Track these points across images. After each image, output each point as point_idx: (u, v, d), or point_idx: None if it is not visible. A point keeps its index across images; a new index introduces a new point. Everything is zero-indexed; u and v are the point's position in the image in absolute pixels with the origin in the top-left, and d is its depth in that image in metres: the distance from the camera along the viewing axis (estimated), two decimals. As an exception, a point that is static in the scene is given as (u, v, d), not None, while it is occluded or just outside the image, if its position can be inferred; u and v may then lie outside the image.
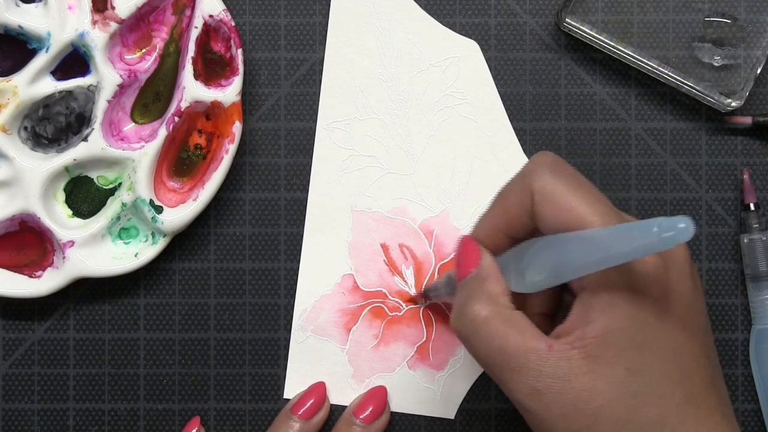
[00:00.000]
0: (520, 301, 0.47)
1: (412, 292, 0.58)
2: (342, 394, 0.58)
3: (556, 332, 0.45)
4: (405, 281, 0.58)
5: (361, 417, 0.56)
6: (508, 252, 0.47)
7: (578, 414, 0.43)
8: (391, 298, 0.58)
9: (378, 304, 0.58)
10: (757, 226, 0.56)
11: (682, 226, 0.39)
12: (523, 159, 0.58)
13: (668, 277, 0.44)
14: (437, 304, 0.57)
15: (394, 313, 0.58)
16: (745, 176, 0.57)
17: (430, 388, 0.57)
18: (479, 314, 0.45)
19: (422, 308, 0.58)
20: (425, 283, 0.58)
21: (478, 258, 0.47)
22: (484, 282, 0.46)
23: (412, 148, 0.58)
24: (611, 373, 0.43)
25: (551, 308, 0.49)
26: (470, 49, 0.58)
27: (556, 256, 0.44)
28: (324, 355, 0.58)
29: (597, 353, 0.43)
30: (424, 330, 0.58)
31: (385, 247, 0.58)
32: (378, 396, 0.57)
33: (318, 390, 0.57)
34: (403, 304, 0.58)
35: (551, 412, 0.44)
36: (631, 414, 0.43)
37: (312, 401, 0.56)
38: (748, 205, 0.57)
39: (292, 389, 0.58)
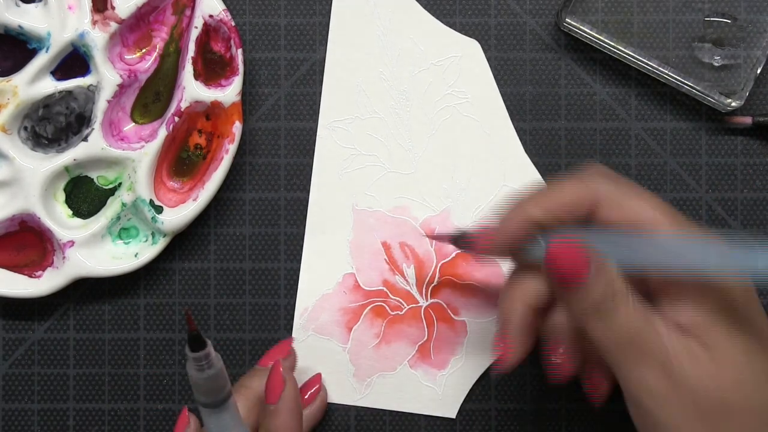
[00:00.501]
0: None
1: (414, 291, 0.58)
2: (343, 393, 0.58)
3: None
4: (406, 280, 0.58)
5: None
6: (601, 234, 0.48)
7: (705, 399, 0.45)
8: (393, 297, 0.58)
9: (379, 303, 0.58)
10: None
11: None
12: (525, 158, 0.58)
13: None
14: (439, 304, 0.57)
15: (395, 312, 0.58)
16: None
17: (432, 387, 0.57)
18: (614, 294, 0.46)
19: (423, 307, 0.58)
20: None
21: (586, 258, 0.46)
22: (605, 268, 0.46)
23: (413, 147, 0.58)
24: (731, 359, 0.45)
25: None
26: (471, 48, 0.58)
27: (628, 252, 0.45)
28: (325, 354, 0.58)
29: (712, 343, 0.45)
30: (426, 329, 0.58)
31: (386, 246, 0.58)
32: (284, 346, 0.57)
33: (283, 344, 0.57)
34: (405, 303, 0.58)
35: (678, 395, 0.45)
36: (756, 396, 0.45)
37: (271, 350, 0.56)
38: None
39: (293, 388, 0.58)
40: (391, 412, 0.57)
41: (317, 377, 0.57)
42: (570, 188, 0.48)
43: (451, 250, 0.58)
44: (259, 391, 0.54)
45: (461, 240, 0.54)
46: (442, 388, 0.57)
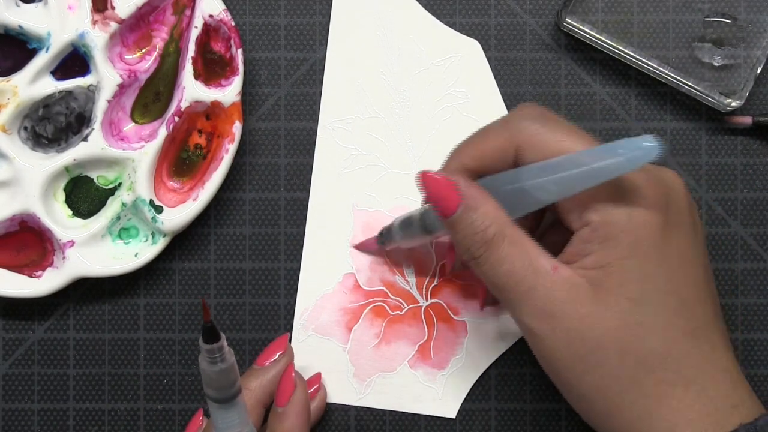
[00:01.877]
0: None
1: (414, 291, 0.58)
2: (343, 393, 0.58)
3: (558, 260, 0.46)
4: (406, 280, 0.58)
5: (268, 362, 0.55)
6: (485, 179, 0.47)
7: (583, 340, 0.44)
8: (393, 297, 0.58)
9: (379, 303, 0.58)
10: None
11: (647, 146, 0.41)
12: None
13: (667, 210, 0.45)
14: (439, 304, 0.57)
15: (395, 312, 0.58)
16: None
17: (431, 387, 0.57)
18: (486, 236, 0.45)
19: (424, 307, 0.58)
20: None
21: (456, 190, 0.46)
22: (479, 207, 0.46)
23: (413, 147, 0.58)
24: (615, 302, 0.44)
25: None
26: (472, 48, 0.58)
27: (553, 173, 0.45)
28: (325, 354, 0.58)
29: (600, 282, 0.44)
30: (425, 329, 0.58)
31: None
32: (281, 342, 0.56)
33: (279, 341, 0.56)
34: (405, 303, 0.58)
35: (556, 335, 0.45)
36: (635, 343, 0.44)
37: (268, 348, 0.56)
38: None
39: (293, 388, 0.58)
40: (391, 412, 0.57)
41: (317, 376, 0.57)
42: (494, 134, 0.48)
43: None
44: (258, 393, 0.54)
45: (384, 232, 0.55)
46: (442, 388, 0.57)
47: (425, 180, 0.47)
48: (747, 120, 0.57)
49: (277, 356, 0.55)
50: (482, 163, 0.48)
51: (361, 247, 0.58)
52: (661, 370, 0.44)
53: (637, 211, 0.44)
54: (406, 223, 0.53)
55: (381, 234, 0.56)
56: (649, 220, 0.44)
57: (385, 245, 0.56)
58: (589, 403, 0.46)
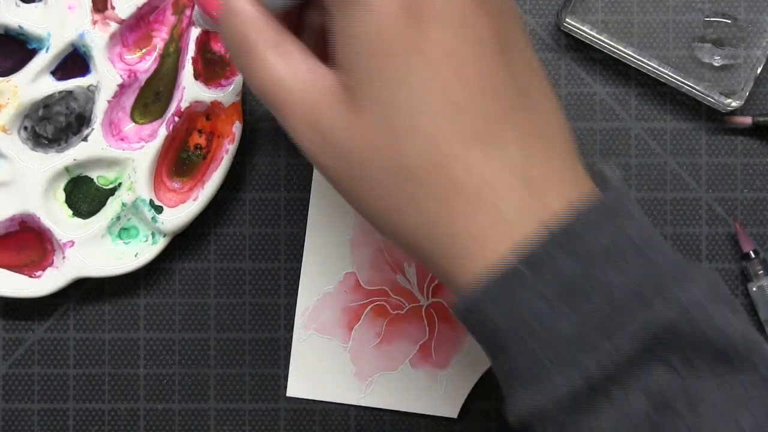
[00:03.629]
0: None
1: (415, 290, 0.58)
2: (344, 393, 0.58)
3: None
4: (407, 279, 0.58)
5: None
6: None
7: (347, 154, 0.39)
8: (394, 296, 0.58)
9: (380, 302, 0.58)
10: (762, 272, 0.56)
11: None
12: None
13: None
14: (440, 303, 0.57)
15: (396, 311, 0.58)
16: (737, 227, 0.57)
17: (433, 386, 0.57)
18: (248, 44, 0.41)
19: (425, 306, 0.58)
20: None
21: None
22: (240, 12, 0.41)
23: (414, 146, 0.58)
24: (369, 110, 0.39)
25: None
26: (472, 48, 0.58)
27: None
28: (326, 353, 0.58)
29: (353, 88, 0.39)
30: (427, 328, 0.58)
31: (387, 245, 0.58)
32: None
33: None
34: (406, 302, 0.58)
35: (326, 150, 0.40)
36: (399, 158, 0.39)
37: None
38: (748, 253, 0.57)
39: (294, 388, 0.58)
40: (391, 411, 0.57)
41: None
42: None
43: None
44: None
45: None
46: (443, 388, 0.57)
47: None
48: (747, 120, 0.57)
49: None
50: None
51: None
52: (433, 184, 0.38)
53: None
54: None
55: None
56: (390, 12, 0.38)
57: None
58: (374, 221, 0.41)
